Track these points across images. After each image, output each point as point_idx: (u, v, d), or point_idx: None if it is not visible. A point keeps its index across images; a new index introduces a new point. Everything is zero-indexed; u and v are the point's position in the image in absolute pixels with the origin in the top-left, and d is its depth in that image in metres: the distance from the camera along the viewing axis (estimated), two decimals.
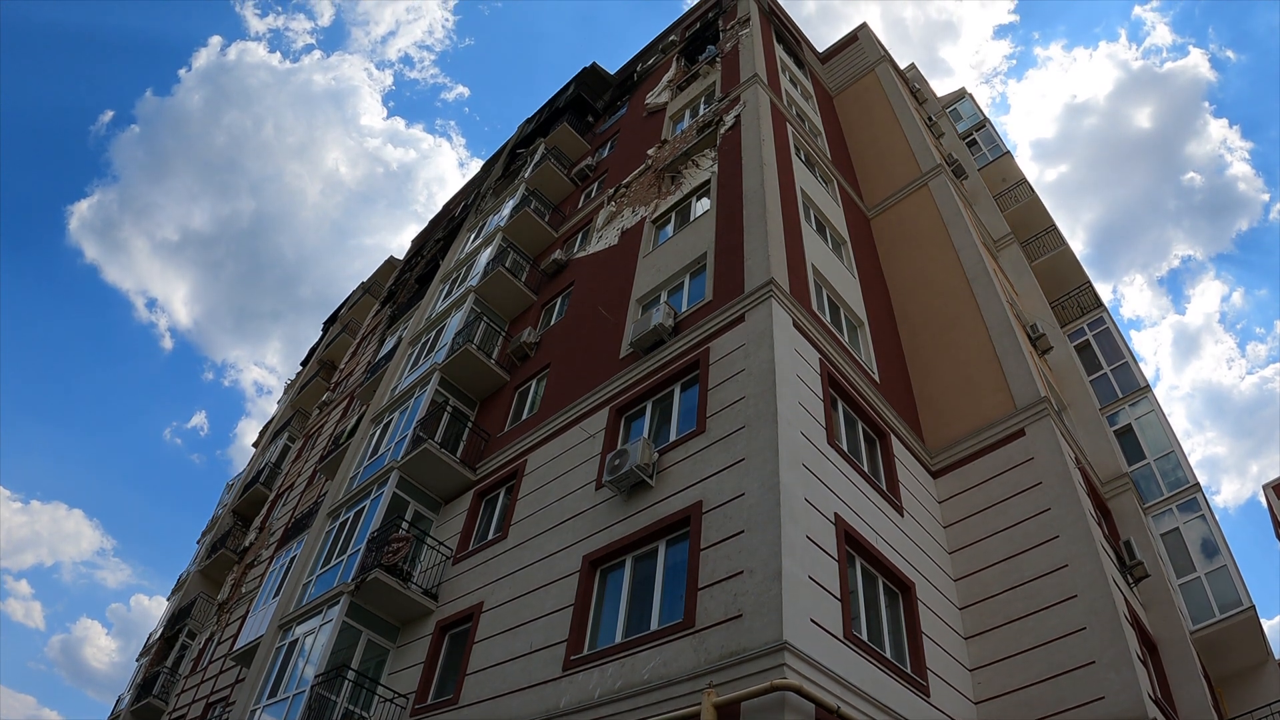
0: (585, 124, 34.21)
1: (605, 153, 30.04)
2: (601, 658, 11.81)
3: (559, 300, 22.68)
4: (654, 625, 11.59)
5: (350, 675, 15.47)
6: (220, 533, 38.35)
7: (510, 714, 12.63)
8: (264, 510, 37.33)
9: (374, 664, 16.48)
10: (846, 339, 17.06)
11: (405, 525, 17.77)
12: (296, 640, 17.25)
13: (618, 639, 11.96)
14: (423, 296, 30.61)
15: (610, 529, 13.44)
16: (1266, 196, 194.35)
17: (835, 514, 12.31)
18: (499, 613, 14.61)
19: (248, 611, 25.88)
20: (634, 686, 10.96)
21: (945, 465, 16.85)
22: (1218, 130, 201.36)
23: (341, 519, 19.86)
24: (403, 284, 40.25)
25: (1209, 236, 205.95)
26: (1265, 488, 75.86)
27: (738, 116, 21.52)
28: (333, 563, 18.57)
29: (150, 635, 38.60)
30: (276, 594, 21.65)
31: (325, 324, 56.75)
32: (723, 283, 15.97)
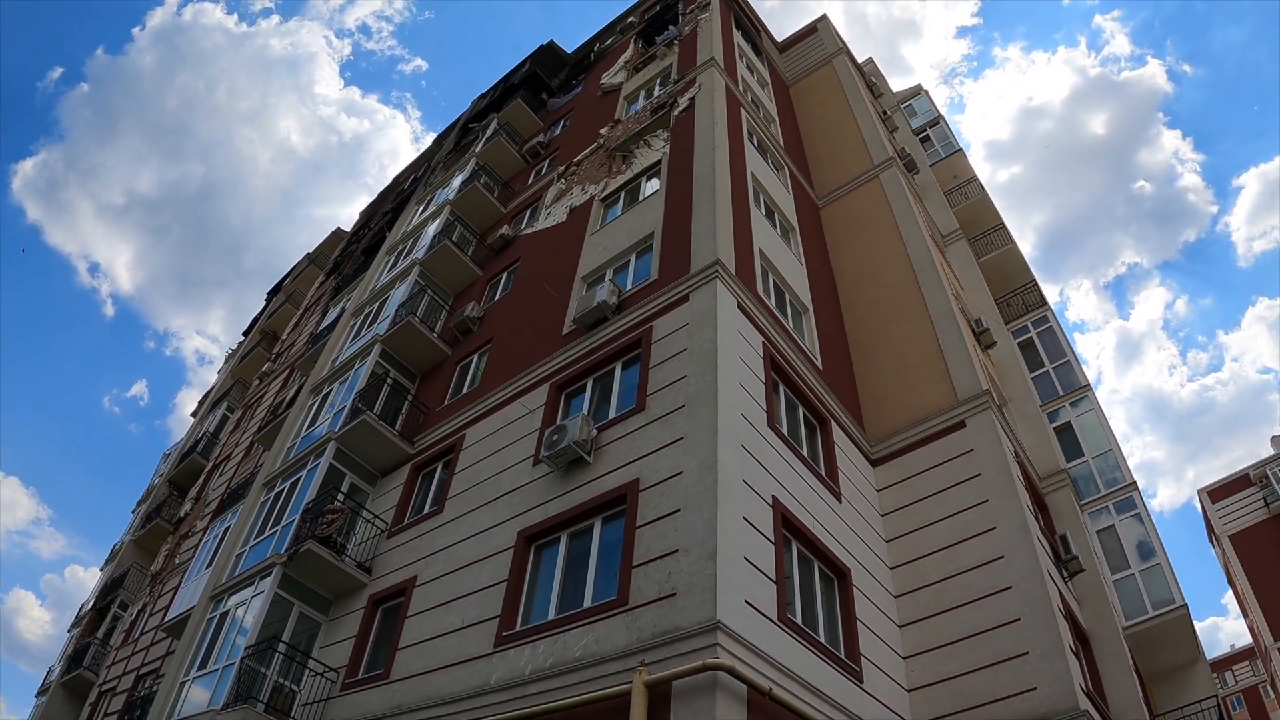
0: (539, 101, 33.87)
1: (558, 130, 29.74)
2: (534, 634, 11.67)
3: (504, 276, 22.41)
4: (587, 603, 11.45)
5: (281, 648, 15.17)
6: (155, 503, 37.59)
7: (440, 690, 12.46)
8: (200, 480, 36.65)
9: (305, 637, 16.19)
10: (791, 324, 17.03)
11: (341, 497, 17.48)
12: (228, 612, 16.90)
13: (550, 616, 11.82)
14: (368, 268, 30.14)
15: (546, 505, 13.28)
16: (1215, 208, 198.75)
17: (773, 497, 12.24)
18: (432, 587, 14.40)
19: (180, 582, 25.37)
20: (566, 664, 10.84)
21: (885, 454, 16.91)
22: (1171, 141, 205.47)
23: (277, 490, 19.50)
24: (349, 255, 39.61)
25: (1156, 244, 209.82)
26: (1200, 492, 77.58)
27: (692, 99, 21.36)
28: (266, 534, 18.23)
29: (82, 606, 37.80)
30: (209, 565, 21.24)
31: (269, 294, 55.81)
32: (669, 262, 15.83)
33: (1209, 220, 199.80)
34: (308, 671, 15.13)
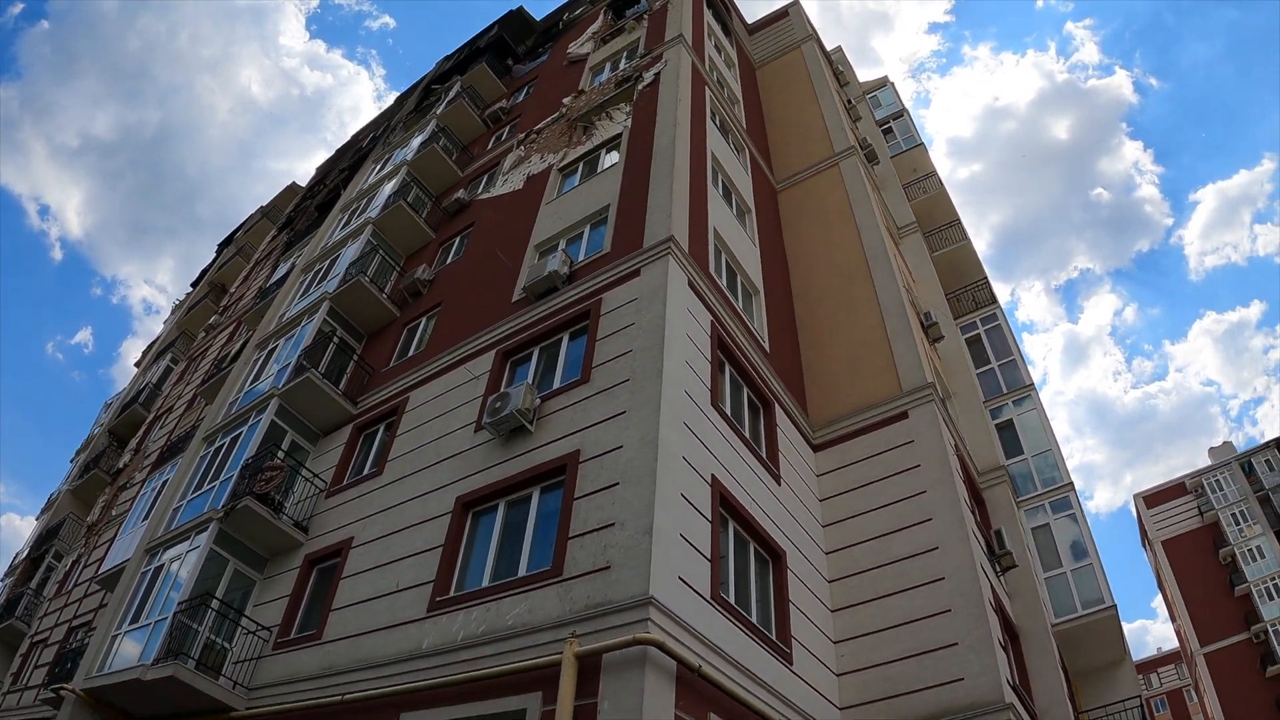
0: (504, 67, 33.44)
1: (521, 97, 29.36)
2: (467, 601, 11.63)
3: (457, 240, 22.15)
4: (522, 571, 11.44)
5: (215, 605, 14.95)
6: (94, 453, 36.90)
7: (372, 652, 12.37)
8: (140, 432, 35.97)
9: (239, 595, 15.97)
10: (741, 305, 17.01)
11: (281, 455, 17.23)
12: (162, 566, 16.60)
13: (485, 583, 11.79)
14: (321, 225, 29.62)
15: (486, 472, 13.19)
16: (1170, 221, 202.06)
17: (712, 475, 12.25)
18: (368, 549, 14.28)
19: (116, 535, 24.96)
20: (497, 632, 10.82)
21: (827, 440, 17.00)
22: (1132, 151, 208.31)
23: (217, 444, 19.18)
24: (302, 211, 38.93)
25: (1109, 252, 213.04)
26: (1136, 497, 79.35)
27: (657, 74, 21.20)
28: (204, 488, 17.93)
29: (16, 555, 37.12)
30: (146, 517, 20.87)
31: (220, 245, 54.75)
32: (622, 236, 15.73)
33: (1163, 232, 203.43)
34: (240, 629, 14.93)
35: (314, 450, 18.31)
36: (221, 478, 17.62)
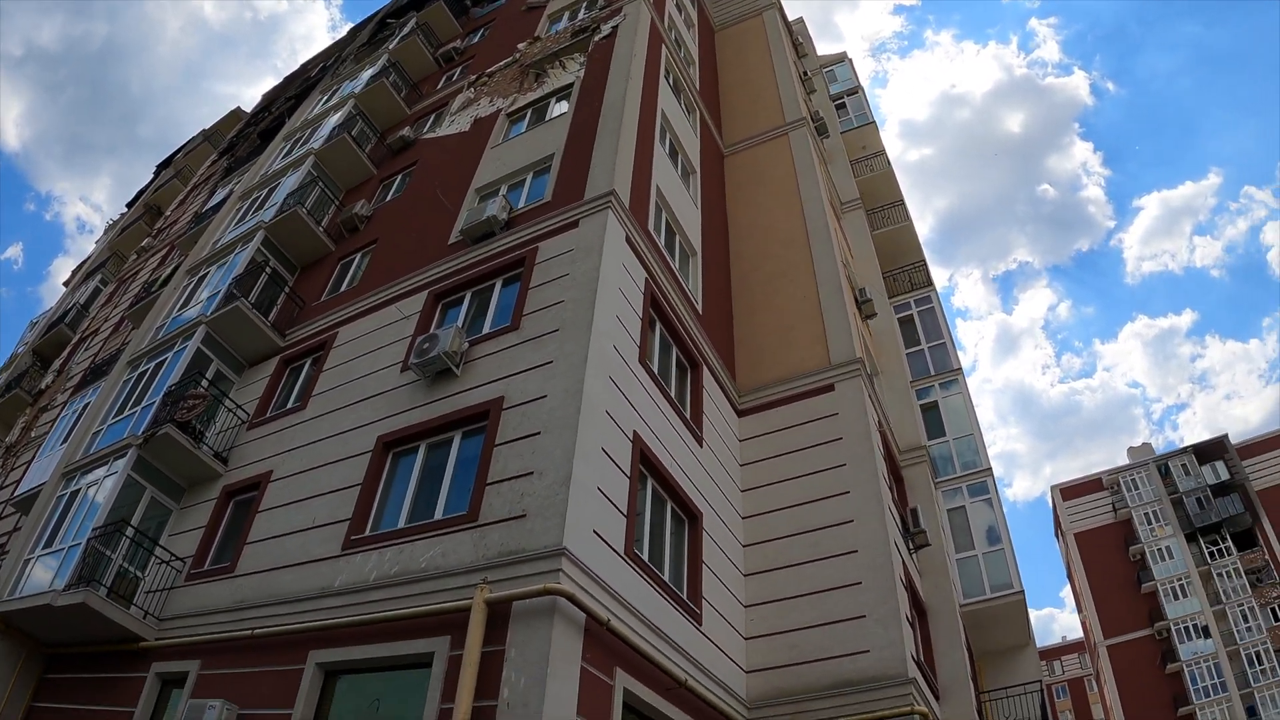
0: (462, 6, 32.60)
1: (476, 39, 28.67)
2: (382, 541, 11.50)
3: (399, 177, 21.60)
4: (438, 515, 11.35)
5: (129, 532, 14.60)
6: (16, 372, 35.75)
7: (284, 588, 12.19)
8: (65, 353, 34.96)
9: (155, 524, 15.59)
10: (677, 265, 16.89)
11: (205, 383, 16.84)
12: (79, 491, 16.15)
13: (400, 524, 11.65)
14: (263, 152, 28.83)
15: (409, 413, 12.99)
16: (1112, 224, 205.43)
17: (634, 432, 12.19)
18: (287, 484, 14.02)
19: (34, 456, 24.31)
20: (410, 574, 10.73)
21: (752, 406, 17.03)
22: (1081, 151, 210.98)
23: (141, 369, 18.64)
24: (245, 137, 37.82)
25: (1049, 247, 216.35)
26: (1053, 489, 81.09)
27: (615, 27, 20.84)
28: (126, 414, 17.45)
29: None
30: (65, 440, 20.28)
31: (159, 167, 53.11)
32: (564, 186, 15.47)
33: (1104, 234, 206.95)
34: (154, 559, 14.60)
35: (239, 381, 17.90)
36: (144, 404, 17.16)
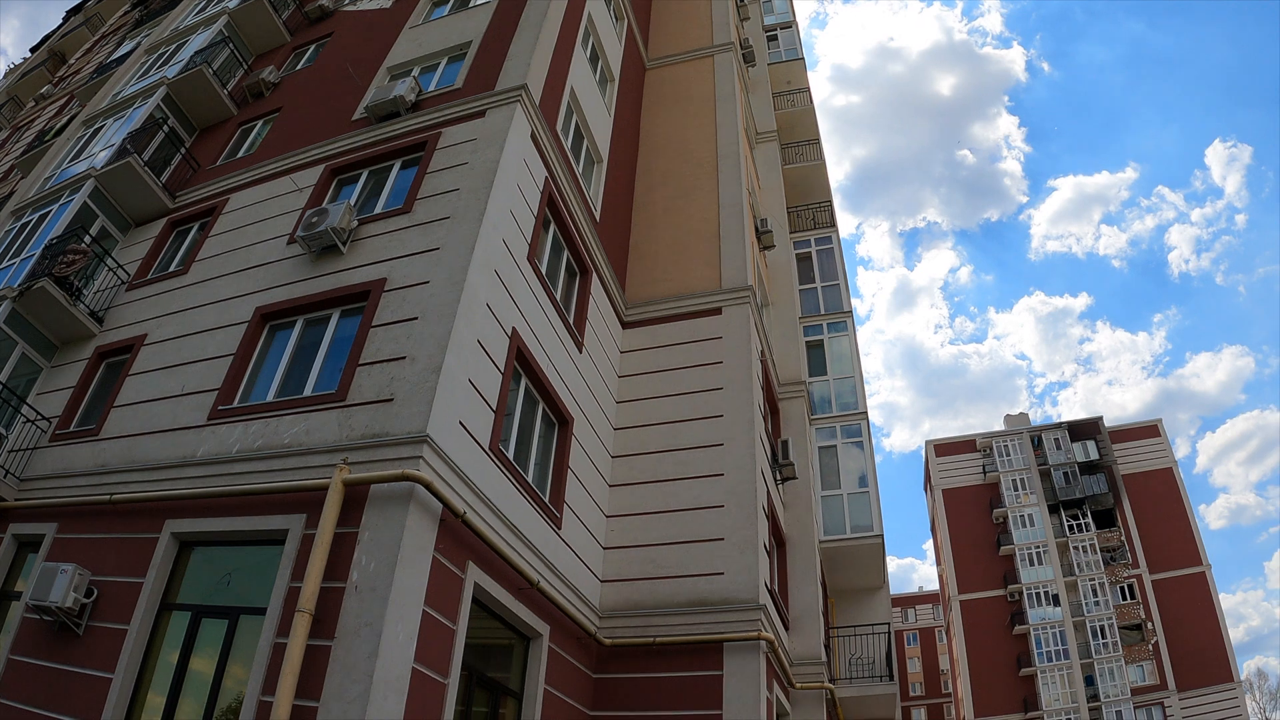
0: None
1: None
2: (249, 413, 11.10)
3: (312, 47, 20.41)
4: (308, 391, 10.98)
5: None
6: None
7: (146, 454, 11.73)
8: None
9: (24, 381, 14.85)
10: (581, 170, 16.46)
11: (88, 239, 16.01)
12: None
13: (269, 398, 11.27)
14: (176, 6, 27.26)
15: (291, 286, 12.46)
16: (1025, 199, 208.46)
17: (513, 328, 11.93)
18: (161, 349, 13.40)
19: None
20: (273, 448, 10.41)
21: (638, 319, 16.90)
22: (1006, 124, 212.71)
23: (24, 220, 17.59)
24: None
25: (959, 212, 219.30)
26: (928, 443, 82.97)
27: None
28: (3, 265, 16.48)
29: None
30: None
31: (69, 13, 50.11)
32: (476, 75, 14.79)
33: (1015, 207, 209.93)
34: (20, 417, 13.95)
35: (124, 240, 16.99)
36: (23, 255, 16.21)
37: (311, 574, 8.76)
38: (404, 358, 10.26)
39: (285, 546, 9.50)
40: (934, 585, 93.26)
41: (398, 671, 8.50)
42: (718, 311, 16.30)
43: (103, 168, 17.04)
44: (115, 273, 15.82)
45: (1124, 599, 70.08)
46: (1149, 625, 68.75)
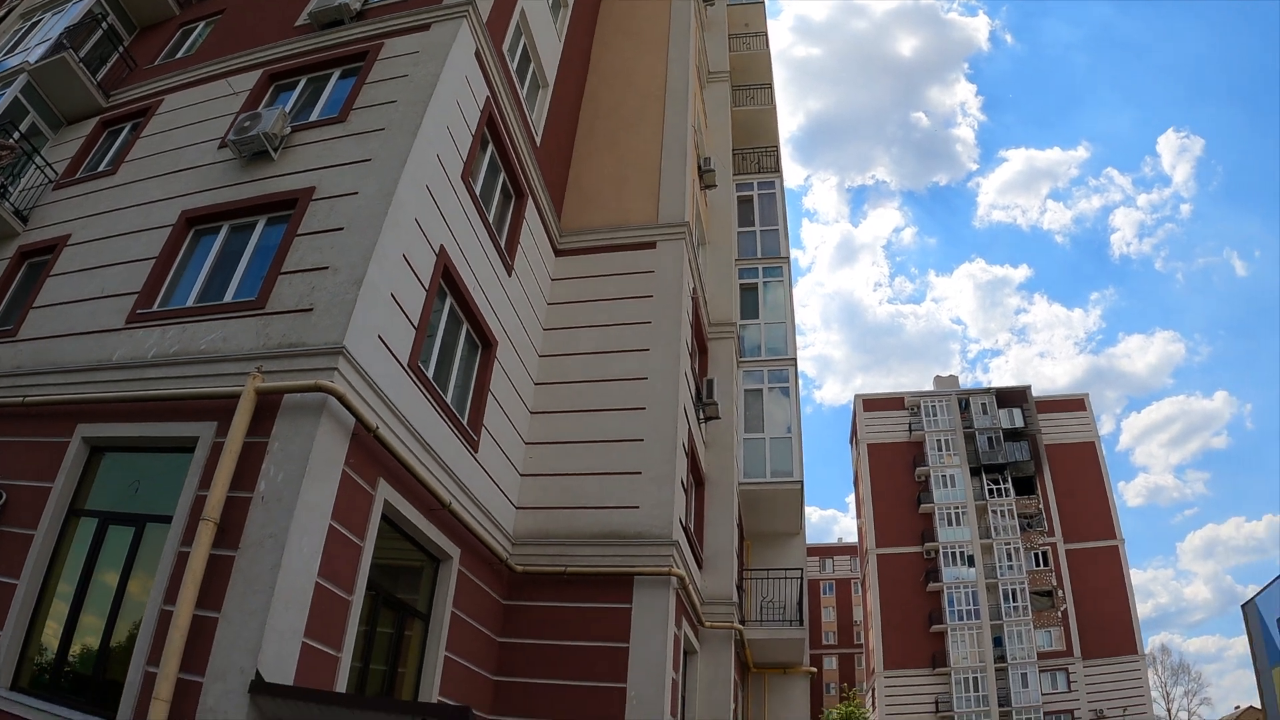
0: None
1: None
2: (167, 318, 10.71)
3: None
4: (228, 298, 10.59)
5: None
6: None
7: (62, 357, 11.27)
8: None
9: None
10: (525, 93, 15.98)
11: (17, 135, 15.34)
12: None
13: (189, 303, 10.87)
14: None
15: (219, 191, 11.95)
16: (975, 167, 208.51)
17: (441, 246, 11.57)
18: (84, 250, 12.85)
19: None
20: (189, 354, 10.05)
21: (571, 247, 16.61)
22: (964, 91, 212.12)
23: None
24: None
25: (908, 173, 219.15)
26: (856, 397, 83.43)
27: None
28: None
29: None
30: None
31: None
32: None
33: (965, 174, 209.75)
34: None
35: (54, 139, 16.25)
36: None
37: (218, 482, 8.53)
38: (326, 268, 9.91)
39: (195, 454, 9.23)
40: (854, 538, 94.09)
41: (300, 585, 8.31)
42: (652, 245, 16.06)
43: (37, 63, 16.23)
44: (43, 171, 15.16)
45: (1037, 565, 71.52)
46: (1060, 593, 70.35)
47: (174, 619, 7.91)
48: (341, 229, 10.25)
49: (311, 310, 9.58)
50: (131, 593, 9.19)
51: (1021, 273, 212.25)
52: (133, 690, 8.05)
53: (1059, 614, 69.63)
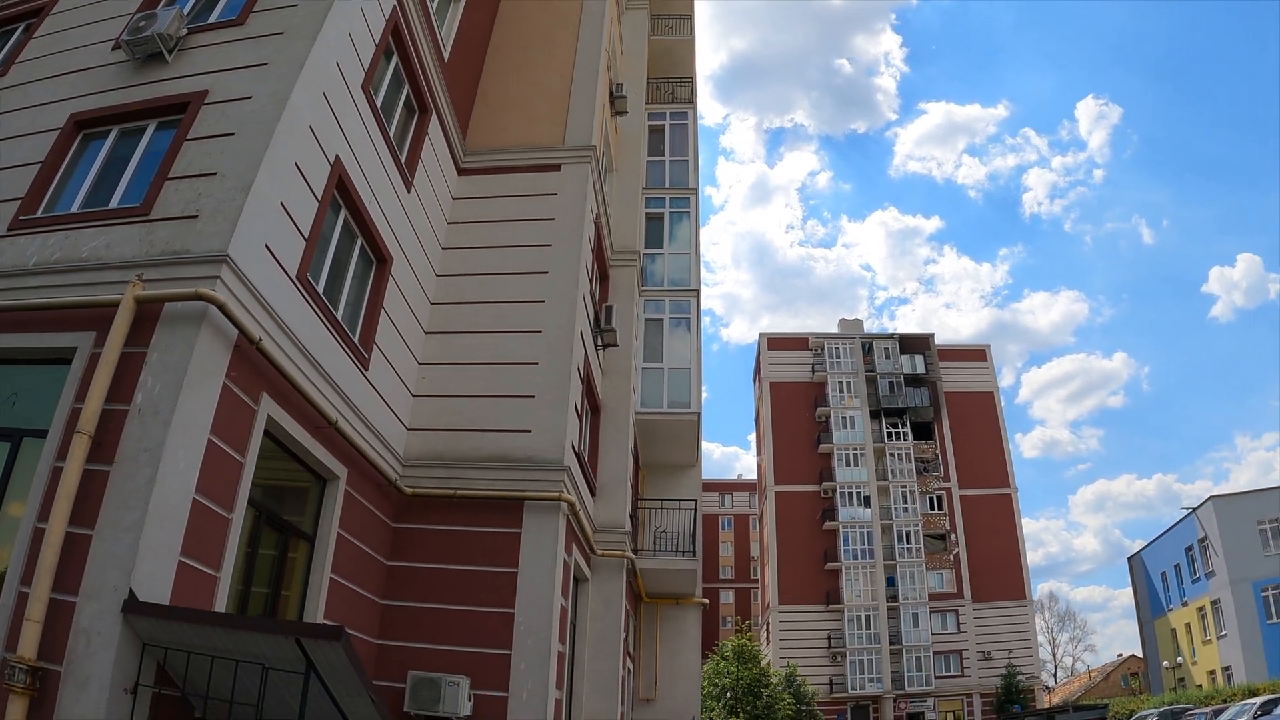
0: None
1: None
2: (50, 225, 9.98)
3: None
4: (113, 204, 9.91)
5: None
6: None
7: None
8: None
9: None
10: (435, 7, 15.19)
11: None
12: None
13: (73, 209, 10.14)
14: None
15: (110, 93, 11.14)
16: (894, 117, 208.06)
17: (336, 156, 10.98)
18: None
19: None
20: (70, 261, 9.41)
21: (475, 167, 16.05)
22: (889, 41, 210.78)
23: None
24: None
25: (827, 119, 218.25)
26: (761, 335, 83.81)
27: None
28: None
29: None
30: None
31: None
32: None
33: (884, 123, 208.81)
34: None
35: None
36: None
37: (94, 394, 8.05)
38: (215, 174, 9.30)
39: (72, 366, 8.67)
40: (754, 475, 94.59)
41: (176, 501, 7.89)
42: (557, 168, 15.60)
43: None
44: None
45: (932, 509, 73.46)
46: (952, 536, 72.37)
47: (46, 537, 7.49)
48: (233, 134, 9.62)
49: (196, 217, 9.01)
50: (9, 511, 8.65)
51: (933, 224, 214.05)
52: (4, 613, 7.56)
53: (951, 557, 71.56)
